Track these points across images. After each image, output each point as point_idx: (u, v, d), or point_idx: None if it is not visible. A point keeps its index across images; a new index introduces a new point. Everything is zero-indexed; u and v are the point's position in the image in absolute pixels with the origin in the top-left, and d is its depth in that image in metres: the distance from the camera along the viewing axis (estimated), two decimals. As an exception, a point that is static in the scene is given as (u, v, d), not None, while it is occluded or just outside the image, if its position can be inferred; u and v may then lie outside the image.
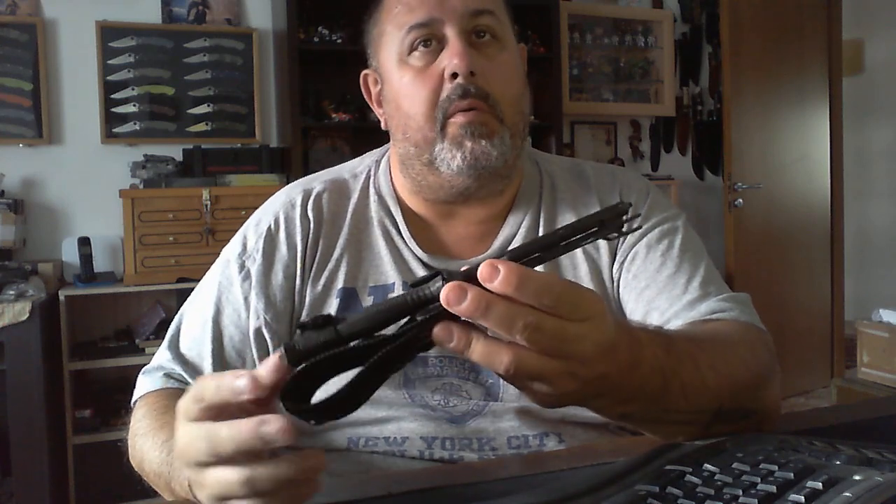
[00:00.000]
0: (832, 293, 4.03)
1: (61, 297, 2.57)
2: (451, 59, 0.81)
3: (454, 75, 0.81)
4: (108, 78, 3.00)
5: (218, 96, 3.13)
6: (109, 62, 3.00)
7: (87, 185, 2.95)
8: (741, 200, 3.69)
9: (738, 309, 0.83)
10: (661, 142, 4.02)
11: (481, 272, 0.46)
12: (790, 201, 3.89)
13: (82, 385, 2.71)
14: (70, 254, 2.82)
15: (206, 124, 3.12)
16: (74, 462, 2.57)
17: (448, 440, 0.83)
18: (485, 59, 0.84)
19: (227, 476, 0.49)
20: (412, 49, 0.84)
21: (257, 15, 3.21)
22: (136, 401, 0.86)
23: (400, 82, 0.85)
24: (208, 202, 2.69)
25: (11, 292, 2.45)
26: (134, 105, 3.03)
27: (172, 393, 0.83)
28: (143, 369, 0.89)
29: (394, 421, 0.83)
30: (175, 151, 2.97)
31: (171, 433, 0.69)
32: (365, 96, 0.95)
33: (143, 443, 0.75)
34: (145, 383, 0.87)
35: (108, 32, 2.99)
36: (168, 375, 0.86)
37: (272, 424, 0.46)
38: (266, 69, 3.21)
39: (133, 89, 3.02)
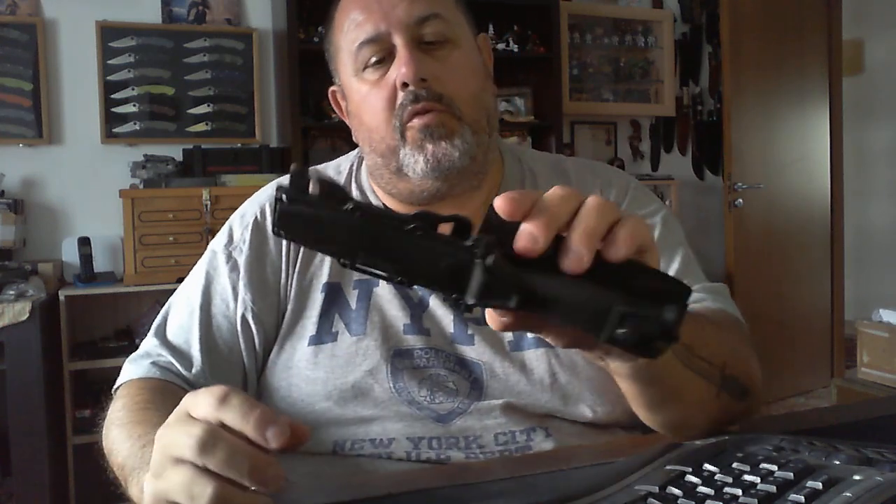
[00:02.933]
0: (832, 293, 4.04)
1: (61, 297, 2.57)
2: (399, 68, 0.83)
3: (405, 84, 0.83)
4: (108, 78, 3.00)
5: (218, 96, 3.13)
6: (109, 62, 3.00)
7: (87, 185, 2.95)
8: (741, 200, 3.69)
9: (711, 298, 0.85)
10: (661, 142, 4.02)
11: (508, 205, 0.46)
12: (790, 201, 3.89)
13: (82, 385, 2.71)
14: (70, 254, 2.82)
15: (206, 124, 3.12)
16: (74, 462, 2.57)
17: (434, 440, 0.82)
18: (436, 62, 0.85)
19: (201, 484, 0.48)
20: (365, 66, 0.86)
21: (257, 15, 3.21)
22: (118, 387, 0.86)
23: (358, 96, 0.87)
24: (208, 202, 2.69)
25: (11, 292, 2.45)
26: (134, 105, 3.03)
27: (156, 385, 0.83)
28: (130, 357, 0.89)
29: (379, 421, 0.83)
30: (175, 151, 2.97)
31: (148, 429, 0.69)
32: (336, 111, 0.96)
33: (118, 433, 0.75)
34: (130, 370, 0.87)
35: (108, 32, 2.99)
36: (155, 364, 0.86)
37: (276, 475, 0.47)
38: (266, 69, 3.21)
39: (133, 89, 3.02)
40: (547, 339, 0.53)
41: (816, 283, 3.99)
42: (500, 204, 0.45)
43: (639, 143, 3.98)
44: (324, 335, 0.87)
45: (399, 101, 0.84)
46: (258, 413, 0.47)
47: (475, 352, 0.86)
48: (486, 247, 0.45)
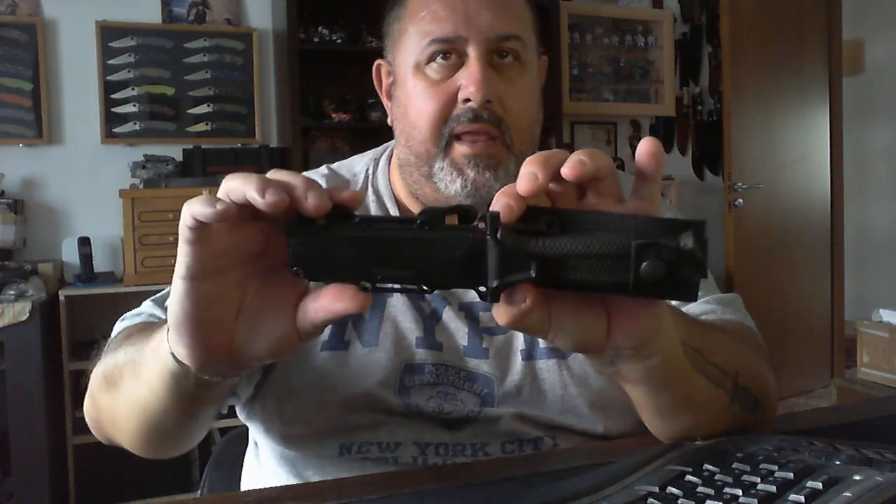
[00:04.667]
0: (832, 293, 4.04)
1: (61, 297, 2.57)
2: (468, 84, 0.79)
3: (468, 100, 0.80)
4: (108, 78, 3.00)
5: (218, 96, 3.13)
6: (109, 62, 3.00)
7: (87, 185, 2.95)
8: (741, 200, 3.69)
9: (721, 310, 0.84)
10: (661, 142, 4.01)
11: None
12: (790, 201, 3.89)
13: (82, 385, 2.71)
14: (70, 254, 2.82)
15: (206, 124, 3.12)
16: (74, 462, 2.57)
17: (441, 446, 0.82)
18: (503, 82, 0.82)
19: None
20: (430, 60, 0.82)
21: (257, 15, 3.21)
22: (112, 338, 0.80)
23: (413, 90, 0.83)
24: (208, 202, 2.69)
25: (11, 292, 2.45)
26: (134, 105, 3.03)
27: (156, 324, 0.77)
28: (122, 316, 0.85)
29: (387, 425, 0.82)
30: (175, 151, 2.97)
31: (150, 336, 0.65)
32: (375, 85, 0.93)
33: (116, 355, 0.70)
34: (125, 324, 0.82)
35: (108, 32, 2.99)
36: (152, 317, 0.82)
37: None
38: (266, 69, 3.21)
39: (133, 89, 3.02)
40: (557, 344, 0.52)
41: (816, 283, 3.99)
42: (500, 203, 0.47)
43: (639, 143, 3.98)
44: (336, 342, 0.84)
45: (455, 112, 0.81)
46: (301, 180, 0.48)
47: (488, 365, 0.84)
48: (492, 221, 0.46)
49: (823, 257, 4.02)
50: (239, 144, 3.07)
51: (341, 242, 0.47)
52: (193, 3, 3.12)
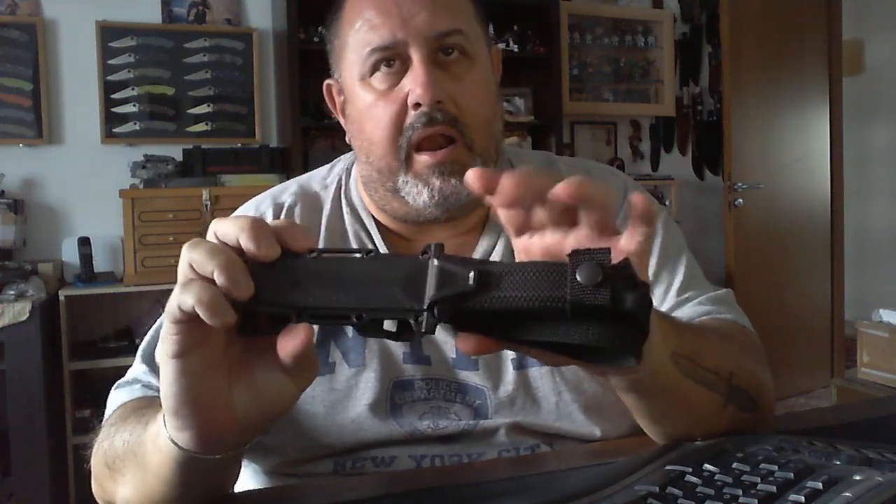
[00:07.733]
0: (832, 293, 4.04)
1: (61, 297, 2.57)
2: (414, 87, 0.77)
3: (418, 104, 0.77)
4: (108, 78, 2.99)
5: (218, 96, 3.13)
6: (109, 62, 3.00)
7: (87, 185, 2.94)
8: (741, 200, 3.69)
9: (717, 309, 0.83)
10: (661, 142, 4.02)
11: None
12: (790, 201, 3.89)
13: (82, 385, 2.71)
14: (70, 254, 2.82)
15: (206, 124, 3.12)
16: (74, 462, 2.57)
17: (437, 458, 0.80)
18: (452, 79, 0.79)
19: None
20: (374, 70, 0.79)
21: (257, 15, 3.21)
22: (108, 417, 0.77)
23: (362, 103, 0.81)
24: (208, 202, 2.69)
25: (11, 292, 2.45)
26: (134, 105, 3.03)
27: (154, 400, 0.73)
28: (117, 384, 0.82)
29: (381, 446, 0.81)
30: (175, 151, 2.97)
31: (146, 425, 0.64)
32: (329, 105, 0.91)
33: (113, 441, 0.68)
34: (120, 397, 0.79)
35: (108, 32, 2.99)
36: (147, 387, 0.79)
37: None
38: (266, 69, 3.21)
39: (133, 89, 3.02)
40: (536, 357, 0.52)
41: (816, 283, 3.99)
42: (473, 177, 0.49)
43: (639, 143, 3.98)
44: (321, 365, 0.81)
45: (409, 120, 0.78)
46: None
47: (479, 377, 0.82)
48: (437, 247, 0.47)
49: (823, 257, 4.02)
50: (239, 144, 3.07)
51: (289, 267, 0.48)
52: (193, 3, 3.12)
